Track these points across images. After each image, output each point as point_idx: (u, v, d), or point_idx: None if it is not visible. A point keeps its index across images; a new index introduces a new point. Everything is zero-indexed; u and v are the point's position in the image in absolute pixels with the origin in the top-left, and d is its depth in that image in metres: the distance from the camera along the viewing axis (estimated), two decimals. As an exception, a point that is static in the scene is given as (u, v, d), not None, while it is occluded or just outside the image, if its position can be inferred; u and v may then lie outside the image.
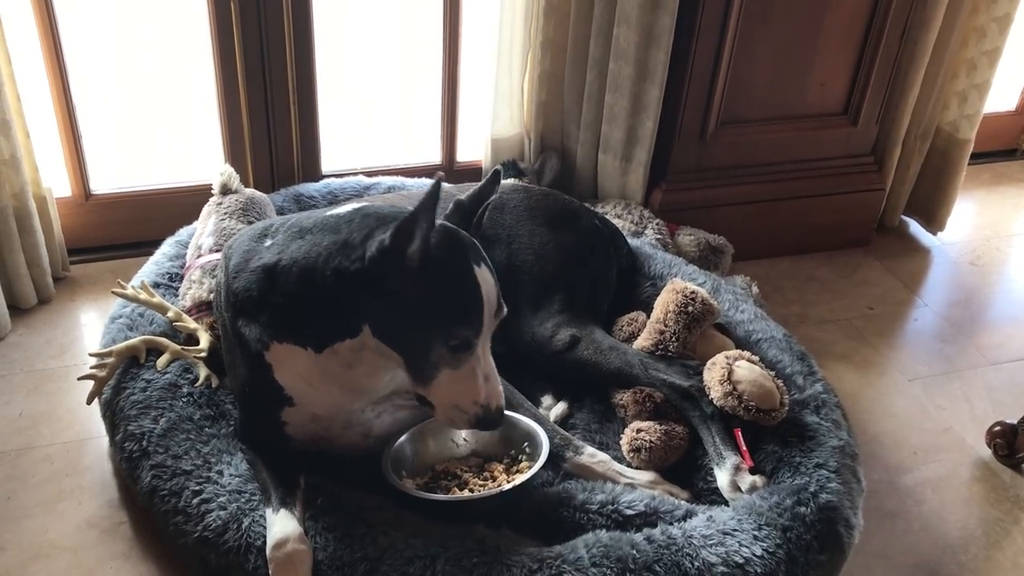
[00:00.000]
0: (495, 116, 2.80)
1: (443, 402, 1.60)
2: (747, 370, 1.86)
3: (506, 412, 1.83)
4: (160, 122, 3.02)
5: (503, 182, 2.51)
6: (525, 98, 2.80)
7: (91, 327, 2.47)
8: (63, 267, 2.63)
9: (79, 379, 1.98)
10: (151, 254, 2.38)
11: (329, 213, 1.70)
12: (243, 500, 1.70)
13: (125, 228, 2.72)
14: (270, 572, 1.57)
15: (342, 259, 1.56)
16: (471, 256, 1.56)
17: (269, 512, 1.65)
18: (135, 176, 2.80)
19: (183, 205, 2.53)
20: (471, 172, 2.93)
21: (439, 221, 1.57)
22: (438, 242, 1.53)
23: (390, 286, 1.52)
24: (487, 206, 1.70)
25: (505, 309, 1.62)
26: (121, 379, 1.96)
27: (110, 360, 1.95)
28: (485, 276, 1.57)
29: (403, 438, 1.82)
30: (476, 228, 1.69)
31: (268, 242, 1.72)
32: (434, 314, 1.54)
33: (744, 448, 1.82)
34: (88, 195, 2.69)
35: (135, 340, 1.99)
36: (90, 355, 2.00)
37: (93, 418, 2.07)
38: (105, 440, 2.04)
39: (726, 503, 1.77)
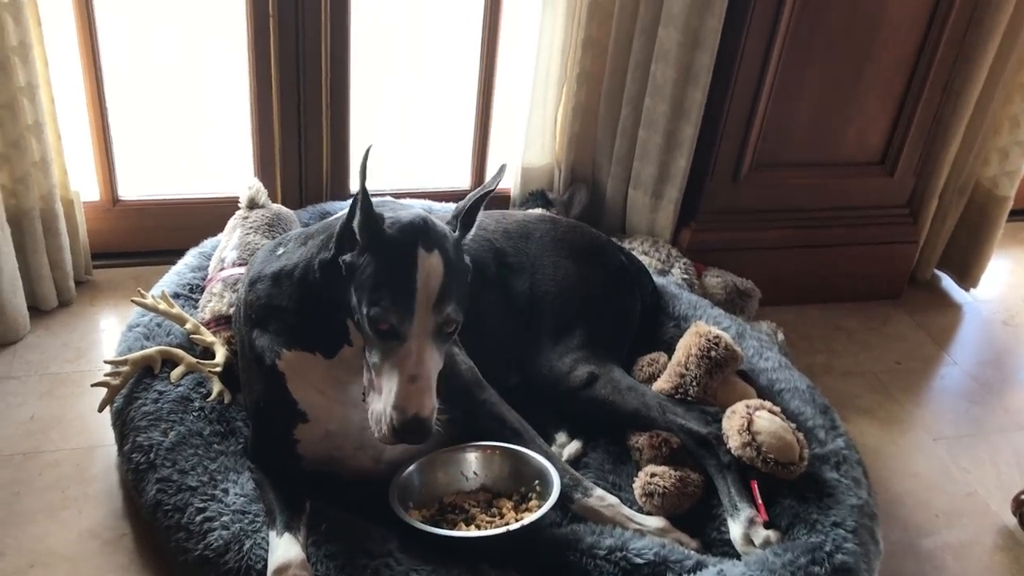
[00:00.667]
0: (527, 145, 2.79)
1: (373, 404, 1.52)
2: (768, 421, 1.82)
3: (518, 448, 1.81)
4: (191, 133, 3.03)
5: (531, 211, 2.51)
6: (558, 129, 2.78)
7: (109, 332, 2.46)
8: (86, 271, 2.63)
9: (92, 386, 1.96)
10: (174, 263, 2.38)
11: (333, 217, 1.73)
12: (246, 521, 1.67)
13: (150, 236, 2.72)
14: (269, 597, 1.54)
15: (324, 251, 1.59)
16: (422, 240, 1.49)
17: (272, 535, 1.62)
18: (163, 185, 2.80)
19: (209, 216, 2.53)
20: (499, 200, 2.91)
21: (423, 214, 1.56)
22: (397, 225, 1.51)
23: (347, 266, 1.52)
24: (485, 197, 1.63)
25: (449, 309, 1.50)
26: (134, 389, 1.94)
27: (124, 369, 1.94)
28: (430, 263, 1.49)
29: (412, 467, 1.79)
30: (468, 219, 1.63)
31: (280, 251, 1.76)
32: (368, 292, 1.49)
33: (760, 501, 1.77)
34: (115, 201, 2.69)
35: (151, 350, 1.98)
36: (105, 362, 1.98)
37: (103, 426, 2.05)
38: (114, 449, 2.01)
39: (738, 556, 1.73)
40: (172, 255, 2.43)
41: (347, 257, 1.53)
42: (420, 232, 1.50)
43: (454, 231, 1.60)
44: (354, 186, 2.81)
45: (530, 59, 2.65)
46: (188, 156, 3.03)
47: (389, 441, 1.50)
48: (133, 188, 2.73)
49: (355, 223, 1.51)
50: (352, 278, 1.52)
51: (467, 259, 1.62)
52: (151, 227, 2.72)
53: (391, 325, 1.47)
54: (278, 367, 1.69)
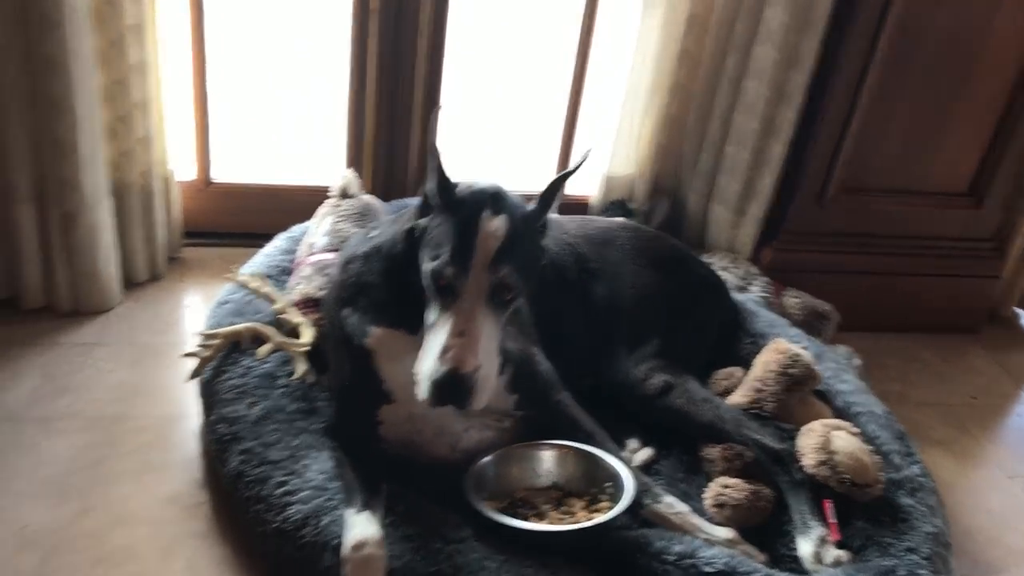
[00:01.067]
0: (612, 153, 2.81)
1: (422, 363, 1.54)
2: (845, 441, 1.81)
3: (592, 450, 1.82)
4: (287, 122, 3.10)
5: (614, 219, 2.52)
6: (644, 139, 2.79)
7: (193, 309, 2.53)
8: (177, 248, 2.70)
9: (183, 356, 2.02)
10: (260, 246, 2.43)
11: None
12: (325, 498, 1.70)
13: (239, 218, 2.79)
14: (345, 572, 1.56)
15: (407, 222, 1.65)
16: (490, 203, 1.54)
17: (351, 512, 1.64)
18: (256, 170, 2.87)
19: (298, 203, 2.58)
20: (579, 207, 2.92)
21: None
22: (469, 190, 1.57)
23: (420, 229, 1.58)
24: (567, 176, 1.65)
25: (505, 270, 1.53)
26: (222, 362, 1.99)
27: (216, 342, 1.99)
28: (491, 225, 1.53)
29: (488, 459, 1.81)
30: (548, 196, 1.64)
31: (374, 233, 1.81)
32: (431, 248, 1.55)
33: (832, 520, 1.76)
34: (209, 182, 2.77)
35: (240, 326, 2.03)
36: (198, 334, 2.04)
37: (186, 396, 2.12)
38: (195, 420, 2.07)
39: (806, 574, 1.72)
40: (259, 239, 2.49)
41: (422, 221, 1.60)
42: (490, 196, 1.56)
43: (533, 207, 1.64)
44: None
45: (623, 69, 2.67)
46: (282, 144, 3.10)
47: (431, 403, 1.52)
48: (226, 171, 2.80)
49: (427, 187, 1.57)
50: (423, 239, 1.58)
51: (542, 242, 1.67)
52: (241, 209, 2.79)
53: (448, 280, 1.51)
54: (367, 344, 1.73)
